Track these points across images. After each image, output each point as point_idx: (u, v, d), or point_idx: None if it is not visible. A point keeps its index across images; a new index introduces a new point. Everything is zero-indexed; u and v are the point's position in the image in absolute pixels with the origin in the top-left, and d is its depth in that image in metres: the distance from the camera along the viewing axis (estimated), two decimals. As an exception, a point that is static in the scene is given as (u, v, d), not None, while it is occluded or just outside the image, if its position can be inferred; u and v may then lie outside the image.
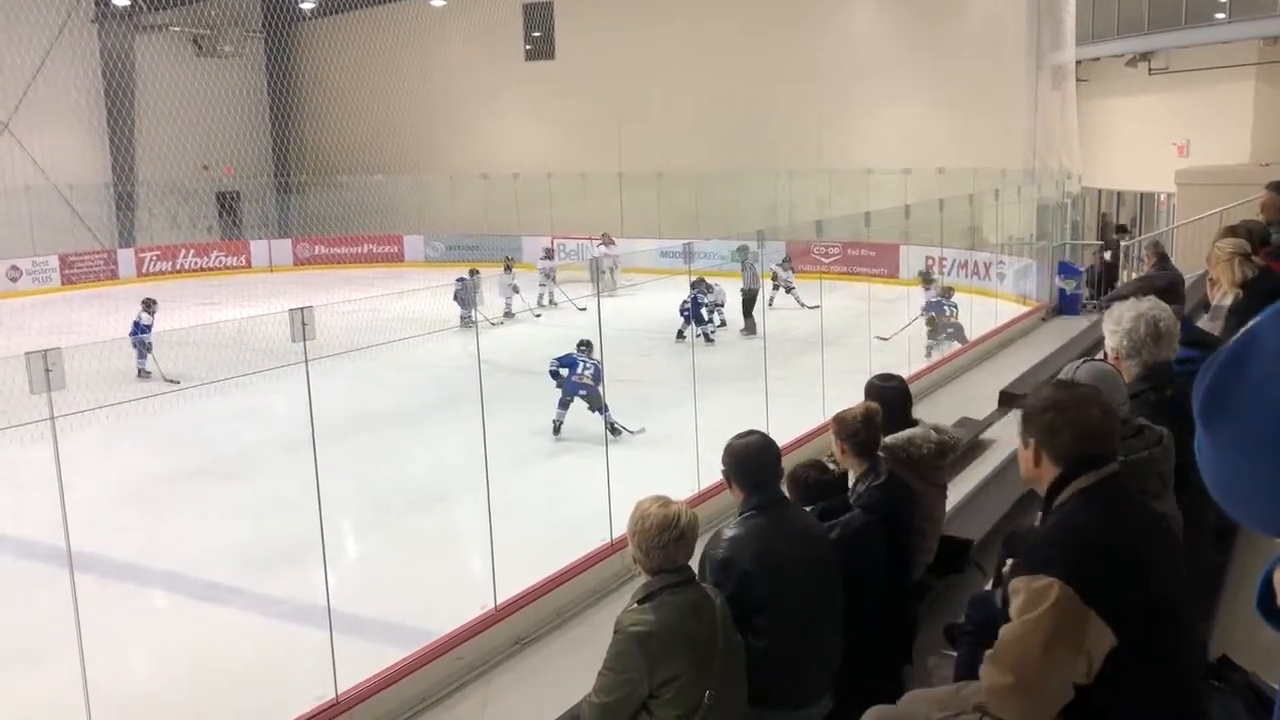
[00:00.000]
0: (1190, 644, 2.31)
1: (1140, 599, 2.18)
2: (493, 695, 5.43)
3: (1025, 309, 15.65)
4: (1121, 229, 17.72)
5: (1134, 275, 14.08)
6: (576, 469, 9.85)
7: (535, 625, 6.03)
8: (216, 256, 27.89)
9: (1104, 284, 15.09)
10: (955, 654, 3.31)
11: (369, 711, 5.16)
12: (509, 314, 18.84)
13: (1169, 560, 2.33)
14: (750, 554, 3.22)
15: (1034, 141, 18.89)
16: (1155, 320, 3.53)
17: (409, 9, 26.51)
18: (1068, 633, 2.10)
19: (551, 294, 20.11)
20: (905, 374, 6.39)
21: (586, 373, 11.06)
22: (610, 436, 10.22)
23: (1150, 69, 18.50)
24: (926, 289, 14.89)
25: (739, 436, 3.48)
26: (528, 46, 28.50)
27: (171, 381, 14.13)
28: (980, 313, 14.50)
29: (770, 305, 17.27)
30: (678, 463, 7.94)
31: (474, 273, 17.92)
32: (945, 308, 14.07)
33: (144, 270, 26.69)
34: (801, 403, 9.17)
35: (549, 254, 21.80)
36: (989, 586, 3.74)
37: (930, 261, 17.47)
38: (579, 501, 8.19)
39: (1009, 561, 3.10)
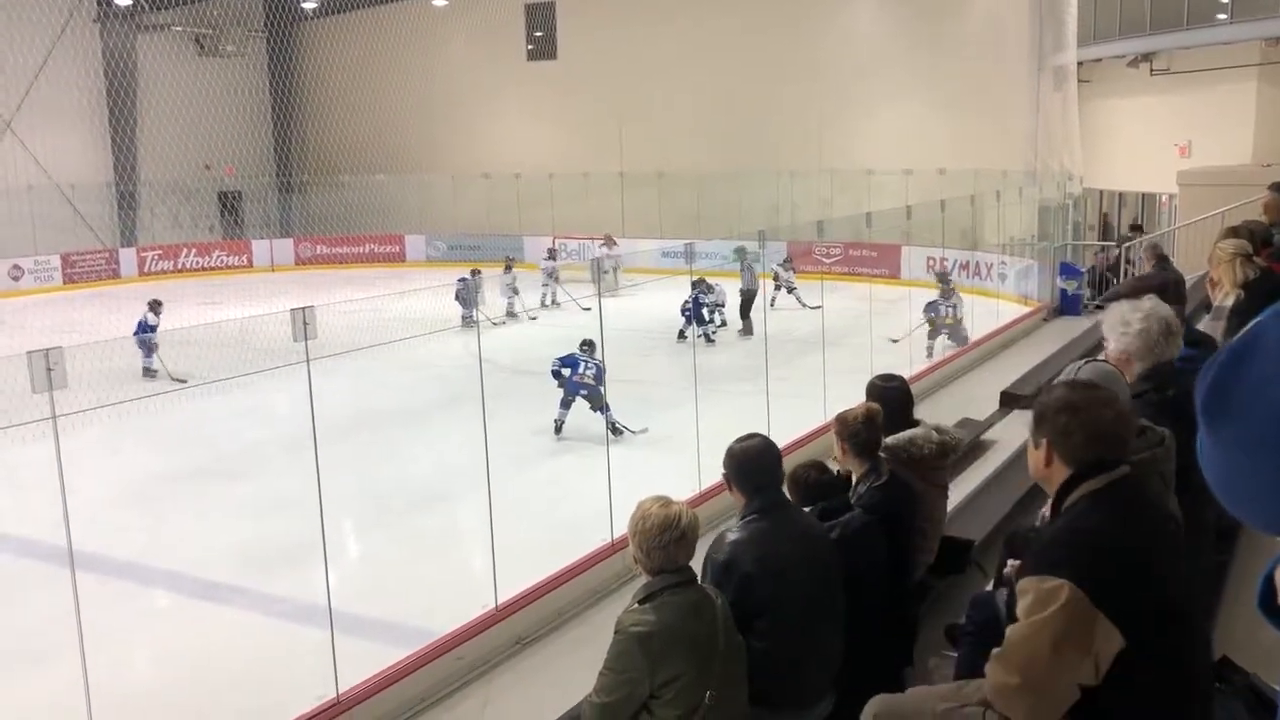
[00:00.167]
0: (1199, 646, 2.30)
1: (1150, 602, 2.17)
2: (493, 695, 5.43)
3: (1027, 309, 15.64)
4: (1136, 228, 17.54)
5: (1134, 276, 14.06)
6: (577, 469, 9.85)
7: (536, 625, 6.03)
8: (218, 256, 27.90)
9: (1105, 285, 15.10)
10: (956, 654, 3.31)
11: (370, 711, 5.16)
12: (510, 314, 18.84)
13: (1180, 563, 2.32)
14: (752, 557, 3.22)
15: (1035, 142, 18.90)
16: (1165, 320, 3.54)
17: (411, 9, 26.52)
18: (1076, 635, 2.09)
19: (554, 294, 20.11)
20: (907, 374, 6.39)
21: (588, 372, 11.06)
22: (611, 436, 10.23)
23: (1152, 70, 18.48)
24: (943, 289, 14.96)
25: (739, 440, 3.48)
26: (529, 46, 28.50)
27: (179, 380, 14.16)
28: (981, 313, 14.51)
29: (772, 305, 17.27)
30: (679, 463, 7.94)
31: (475, 272, 17.93)
32: (942, 308, 14.08)
33: (146, 270, 26.71)
34: (803, 403, 9.16)
35: (552, 254, 21.79)
36: (990, 587, 3.74)
37: (933, 262, 17.47)
38: (580, 501, 8.19)
39: (1010, 562, 3.10)
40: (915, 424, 4.42)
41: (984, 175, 18.98)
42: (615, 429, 10.71)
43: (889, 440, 4.19)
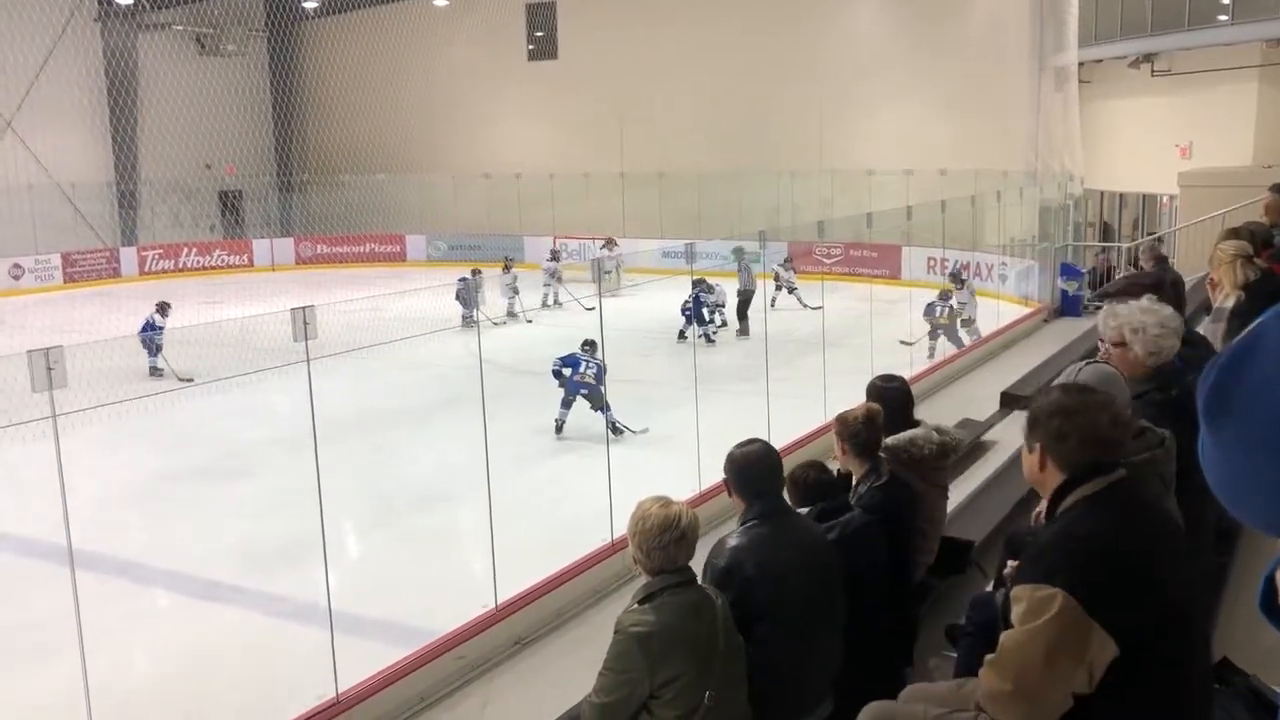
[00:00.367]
0: (1197, 651, 2.28)
1: (1147, 608, 2.15)
2: (493, 695, 5.43)
3: (1027, 310, 15.65)
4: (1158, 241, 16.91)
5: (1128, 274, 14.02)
6: (578, 469, 9.85)
7: (536, 625, 6.02)
8: (219, 255, 27.90)
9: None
10: (956, 655, 3.30)
11: (369, 711, 5.16)
12: (511, 313, 18.84)
13: (1179, 565, 2.30)
14: (753, 563, 3.21)
15: (1036, 143, 18.90)
16: (1176, 323, 3.55)
17: (412, 9, 26.52)
18: (1070, 644, 2.09)
19: (557, 294, 20.11)
20: (907, 375, 6.39)
21: (589, 372, 11.06)
22: (612, 436, 10.23)
23: (1153, 71, 18.48)
24: (959, 289, 14.98)
25: (740, 445, 3.47)
26: (530, 46, 28.51)
27: (185, 380, 14.19)
28: (982, 314, 14.52)
29: (772, 306, 17.28)
30: (679, 463, 7.94)
31: (476, 272, 17.94)
32: (938, 308, 14.10)
33: (146, 269, 26.72)
34: (803, 403, 9.16)
35: (555, 255, 21.71)
36: (990, 588, 3.74)
37: (933, 262, 17.46)
38: (580, 501, 8.19)
39: (1010, 563, 3.10)
40: (916, 424, 4.42)
41: (985, 176, 18.98)
42: (616, 429, 10.71)
43: (889, 441, 4.19)
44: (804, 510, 3.78)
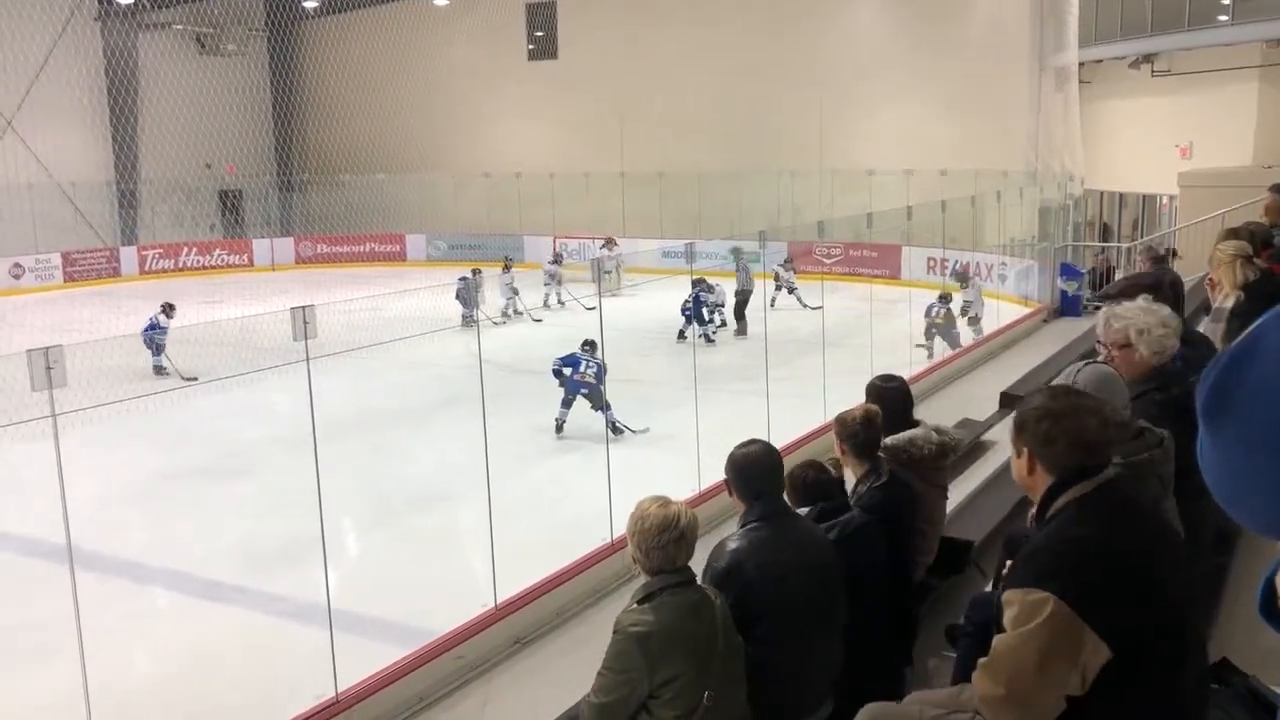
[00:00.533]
0: (1192, 652, 2.27)
1: (1140, 609, 2.15)
2: (492, 695, 5.43)
3: (1027, 310, 15.65)
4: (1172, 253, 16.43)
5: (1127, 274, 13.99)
6: (578, 468, 9.85)
7: (535, 625, 6.02)
8: (219, 255, 27.89)
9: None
10: (955, 655, 3.30)
11: (369, 710, 5.16)
12: (512, 313, 18.84)
13: (1173, 566, 2.30)
14: (753, 565, 3.21)
15: (1036, 143, 18.92)
16: (1175, 322, 3.55)
17: (412, 8, 26.52)
18: (1062, 648, 2.08)
19: (559, 295, 20.11)
20: (906, 375, 6.38)
21: (589, 371, 11.06)
22: (612, 436, 10.23)
23: (1153, 71, 18.48)
24: (964, 289, 14.98)
25: (741, 446, 3.47)
26: (530, 46, 28.51)
27: (189, 379, 14.21)
28: (984, 313, 14.51)
29: (772, 306, 17.29)
30: (678, 463, 7.94)
31: (476, 272, 17.94)
32: (934, 309, 14.12)
33: (146, 268, 26.71)
34: (803, 403, 9.16)
35: (558, 259, 21.59)
36: (989, 588, 3.74)
37: (933, 262, 17.46)
38: (580, 501, 8.19)
39: (1009, 563, 3.10)
40: (915, 424, 4.42)
41: (985, 176, 18.98)
42: (616, 428, 10.71)
43: (889, 441, 4.19)
44: (804, 510, 3.78)
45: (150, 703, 6.16)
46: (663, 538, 2.97)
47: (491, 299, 18.33)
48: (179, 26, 27.93)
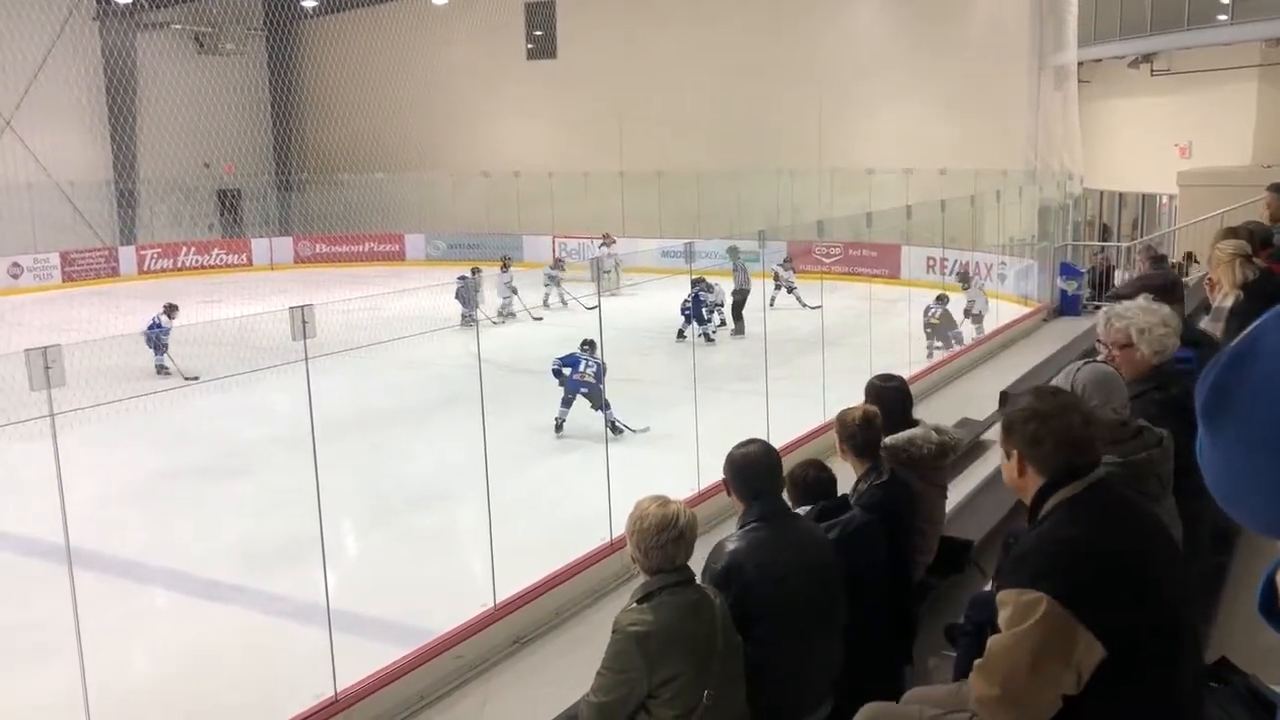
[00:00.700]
0: (1187, 650, 2.27)
1: (1133, 607, 2.15)
2: (492, 694, 5.43)
3: (1026, 310, 15.65)
4: (1189, 258, 14.72)
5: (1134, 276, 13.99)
6: (577, 468, 9.84)
7: (534, 624, 6.02)
8: (217, 254, 27.87)
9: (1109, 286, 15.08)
10: (955, 654, 3.30)
11: (368, 710, 5.16)
12: (512, 312, 18.84)
13: (1167, 565, 2.30)
14: (752, 565, 3.21)
15: (1035, 142, 18.92)
16: (1175, 321, 3.56)
17: (411, 7, 26.50)
18: (1056, 647, 2.09)
19: (561, 295, 20.09)
20: (906, 374, 6.38)
21: (589, 371, 11.06)
22: (611, 435, 10.22)
23: (1152, 70, 18.48)
24: (966, 289, 14.97)
25: (740, 446, 3.46)
26: (529, 45, 28.50)
27: (191, 378, 14.21)
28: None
29: (772, 305, 17.28)
30: (678, 462, 7.94)
31: (475, 271, 17.92)
32: (931, 310, 14.14)
33: (145, 268, 26.68)
34: (802, 403, 9.16)
35: (559, 264, 21.32)
36: (989, 587, 3.74)
37: (932, 261, 17.47)
38: (579, 501, 8.18)
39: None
40: (915, 424, 4.42)
41: (984, 175, 18.98)
42: (615, 428, 10.71)
43: (888, 440, 4.19)
44: (803, 510, 3.79)
45: (149, 702, 6.16)
46: (661, 537, 2.96)
47: (492, 298, 18.32)
48: (177, 26, 27.90)
